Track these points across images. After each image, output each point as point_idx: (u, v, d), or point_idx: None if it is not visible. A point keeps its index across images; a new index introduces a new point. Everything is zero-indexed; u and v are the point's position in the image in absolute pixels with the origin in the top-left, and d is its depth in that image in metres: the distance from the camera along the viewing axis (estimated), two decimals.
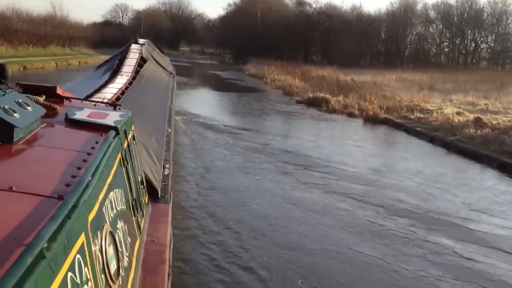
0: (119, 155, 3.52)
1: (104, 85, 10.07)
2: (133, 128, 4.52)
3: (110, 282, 2.48)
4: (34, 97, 3.66)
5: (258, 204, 10.26)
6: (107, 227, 2.62)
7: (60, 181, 2.38)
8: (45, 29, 63.90)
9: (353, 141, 18.29)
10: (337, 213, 10.02)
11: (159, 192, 5.75)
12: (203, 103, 28.07)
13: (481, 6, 76.62)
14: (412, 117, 22.46)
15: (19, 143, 2.87)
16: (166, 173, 6.87)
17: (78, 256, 1.97)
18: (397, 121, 22.38)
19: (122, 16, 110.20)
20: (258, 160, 14.18)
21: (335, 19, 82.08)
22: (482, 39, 78.53)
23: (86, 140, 3.24)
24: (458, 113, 21.73)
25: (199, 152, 14.63)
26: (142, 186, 4.57)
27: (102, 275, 2.36)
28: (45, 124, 3.39)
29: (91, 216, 2.31)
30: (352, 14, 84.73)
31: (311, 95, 30.77)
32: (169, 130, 9.88)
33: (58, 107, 3.99)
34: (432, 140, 18.61)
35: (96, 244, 2.34)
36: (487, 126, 17.97)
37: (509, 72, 62.36)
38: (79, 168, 2.60)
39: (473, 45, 78.39)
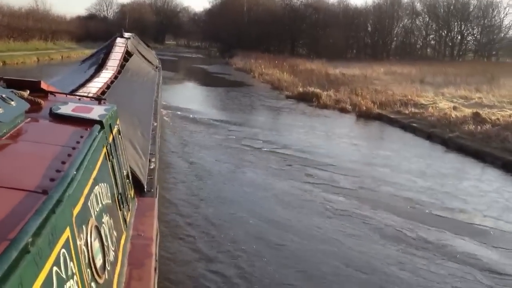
0: (104, 149, 3.50)
1: (89, 80, 9.91)
2: (118, 122, 4.46)
3: (96, 276, 2.47)
4: (18, 91, 3.62)
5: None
6: (92, 221, 2.61)
7: (45, 176, 2.37)
8: (27, 23, 62.19)
9: (349, 139, 17.54)
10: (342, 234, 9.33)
11: (145, 186, 5.71)
12: (190, 99, 27.02)
13: None
14: (407, 112, 21.84)
15: (3, 138, 2.84)
16: (152, 167, 6.79)
17: (63, 250, 1.98)
18: (392, 116, 21.73)
19: (107, 10, 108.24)
20: (252, 162, 13.45)
21: (322, 12, 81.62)
22: (468, 31, 78.61)
23: (71, 134, 3.21)
24: (454, 108, 21.17)
25: (188, 157, 13.85)
26: (128, 180, 4.56)
27: (88, 270, 2.36)
28: (29, 119, 3.34)
29: (76, 211, 2.31)
30: (339, 7, 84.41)
31: (301, 89, 30.02)
32: (155, 124, 9.73)
33: (42, 101, 3.92)
34: (429, 136, 17.94)
35: (81, 239, 2.33)
36: (487, 122, 17.32)
37: (496, 64, 62.60)
38: (63, 163, 2.58)
39: (459, 37, 78.41)
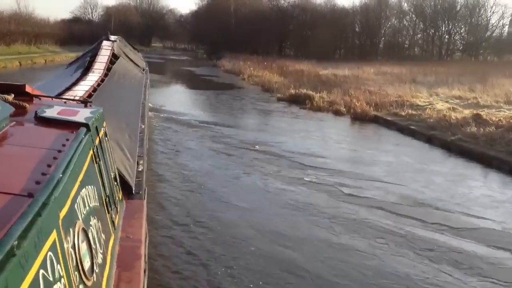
0: (91, 152, 3.48)
1: (75, 83, 9.89)
2: (105, 124, 4.42)
3: (84, 278, 2.46)
4: (2, 95, 3.61)
5: None
6: (79, 224, 2.60)
7: (30, 179, 2.35)
8: (9, 26, 60.97)
9: (347, 144, 16.84)
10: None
11: (133, 188, 5.70)
12: (180, 104, 26.08)
13: None
14: (403, 114, 21.19)
15: None
16: (140, 169, 6.78)
17: (49, 253, 1.96)
18: (388, 118, 21.06)
19: (92, 13, 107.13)
20: (249, 172, 12.71)
21: (309, 12, 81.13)
22: (455, 30, 78.63)
23: (56, 137, 3.19)
24: (451, 109, 20.58)
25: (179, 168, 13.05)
26: (115, 183, 4.53)
27: (76, 272, 2.34)
28: (14, 122, 3.32)
29: (62, 213, 2.30)
30: (326, 7, 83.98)
31: (292, 91, 29.28)
32: (143, 126, 9.70)
33: (27, 105, 3.83)
34: (430, 140, 17.23)
35: (68, 242, 2.31)
36: (489, 124, 16.67)
37: (484, 63, 62.44)
38: (49, 166, 2.56)
39: (447, 36, 78.40)
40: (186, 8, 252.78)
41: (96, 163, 3.61)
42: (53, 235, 2.06)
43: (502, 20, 75.29)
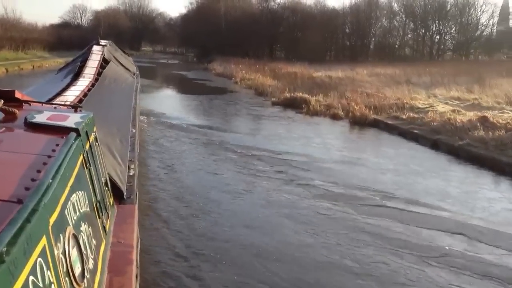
0: (81, 157, 3.46)
1: (65, 88, 9.70)
2: (95, 129, 4.39)
3: (75, 284, 2.43)
4: None
5: None
6: (70, 229, 2.56)
7: (19, 185, 2.32)
8: None
9: (349, 152, 16.01)
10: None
11: (125, 193, 5.63)
12: (172, 110, 25.15)
13: None
14: (404, 117, 20.51)
15: None
16: (131, 174, 6.71)
17: (39, 259, 1.95)
18: (389, 122, 20.35)
19: (81, 17, 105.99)
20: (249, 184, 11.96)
21: (299, 14, 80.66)
22: (446, 30, 78.49)
23: (46, 143, 3.16)
24: (454, 111, 19.93)
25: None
26: (106, 188, 4.51)
27: (66, 278, 2.32)
28: (3, 128, 3.33)
29: (52, 219, 2.28)
30: (316, 8, 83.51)
31: (287, 95, 28.54)
32: (134, 130, 9.61)
33: (17, 111, 3.80)
34: (435, 144, 16.50)
35: (58, 248, 2.29)
36: (497, 127, 15.95)
37: (476, 62, 62.16)
38: (39, 171, 2.53)
39: (438, 36, 78.27)
40: (175, 11, 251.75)
41: (87, 168, 3.61)
42: (43, 241, 2.05)
43: (492, 19, 75.38)
